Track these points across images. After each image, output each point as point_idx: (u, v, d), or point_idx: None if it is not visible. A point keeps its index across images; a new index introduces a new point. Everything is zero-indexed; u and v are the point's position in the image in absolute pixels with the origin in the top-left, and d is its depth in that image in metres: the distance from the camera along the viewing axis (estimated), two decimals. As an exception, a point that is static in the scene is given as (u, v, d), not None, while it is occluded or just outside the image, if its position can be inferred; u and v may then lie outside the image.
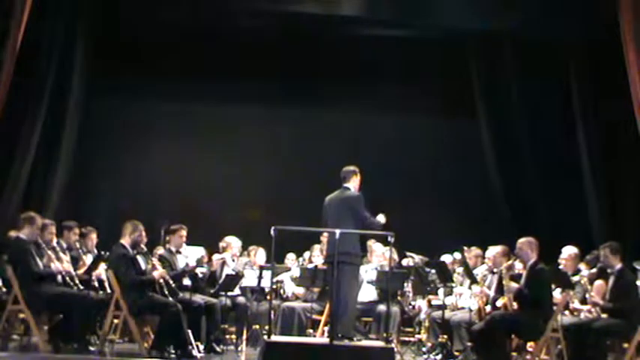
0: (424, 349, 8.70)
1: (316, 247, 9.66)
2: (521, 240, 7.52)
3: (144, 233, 7.79)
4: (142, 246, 7.81)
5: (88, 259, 8.33)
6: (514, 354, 7.66)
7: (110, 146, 11.24)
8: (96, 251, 8.61)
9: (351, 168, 7.85)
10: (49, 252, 7.66)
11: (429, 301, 8.97)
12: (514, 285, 7.40)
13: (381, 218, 7.70)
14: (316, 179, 10.96)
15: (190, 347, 7.51)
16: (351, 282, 7.63)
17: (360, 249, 7.80)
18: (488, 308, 7.90)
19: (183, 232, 8.51)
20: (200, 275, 8.65)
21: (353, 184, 7.79)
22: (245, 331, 8.80)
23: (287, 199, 11.03)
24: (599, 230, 9.65)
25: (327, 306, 8.22)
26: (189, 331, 7.68)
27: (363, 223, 7.59)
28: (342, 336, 7.35)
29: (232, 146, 11.45)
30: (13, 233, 7.89)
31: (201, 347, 7.86)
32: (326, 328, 8.37)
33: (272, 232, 7.31)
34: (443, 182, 11.30)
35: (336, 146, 11.05)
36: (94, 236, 8.78)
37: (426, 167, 11.25)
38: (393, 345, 7.87)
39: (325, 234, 9.49)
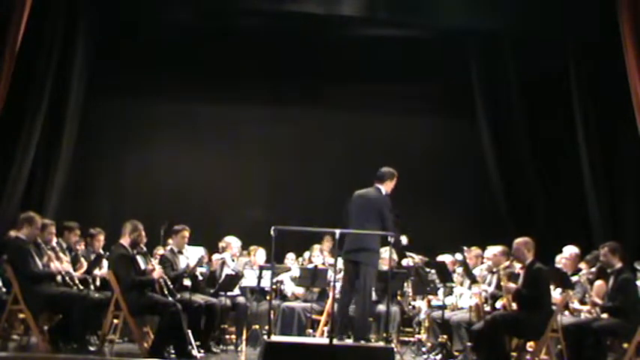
0: (424, 349, 8.69)
1: (316, 247, 9.67)
2: (518, 240, 7.53)
3: (143, 233, 7.78)
4: (142, 246, 7.81)
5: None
6: (514, 354, 7.66)
7: (110, 146, 11.24)
8: (102, 252, 8.60)
9: (391, 170, 7.85)
10: (49, 252, 7.66)
11: (429, 301, 8.97)
12: (512, 285, 7.40)
13: (403, 240, 7.73)
14: (316, 179, 11.02)
15: (190, 347, 7.51)
16: (371, 284, 7.67)
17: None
18: (487, 308, 7.90)
19: (186, 233, 8.52)
20: (200, 276, 8.65)
21: (386, 187, 7.79)
22: (245, 331, 8.81)
23: (287, 199, 11.03)
24: (599, 230, 9.64)
25: (328, 305, 8.22)
26: (189, 331, 7.68)
27: (386, 225, 7.57)
28: (360, 338, 7.35)
29: (232, 146, 11.45)
30: (13, 233, 7.89)
31: (201, 347, 7.85)
32: (326, 328, 8.37)
33: (272, 232, 7.32)
34: (443, 182, 11.29)
35: (335, 146, 11.06)
36: (101, 237, 8.78)
37: (426, 167, 11.24)
38: (393, 345, 7.87)
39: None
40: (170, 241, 8.86)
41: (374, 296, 9.12)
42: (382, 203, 7.66)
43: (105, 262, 8.16)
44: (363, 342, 7.37)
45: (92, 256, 8.43)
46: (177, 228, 8.57)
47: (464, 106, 11.16)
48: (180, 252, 8.52)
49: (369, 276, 7.60)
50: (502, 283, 7.48)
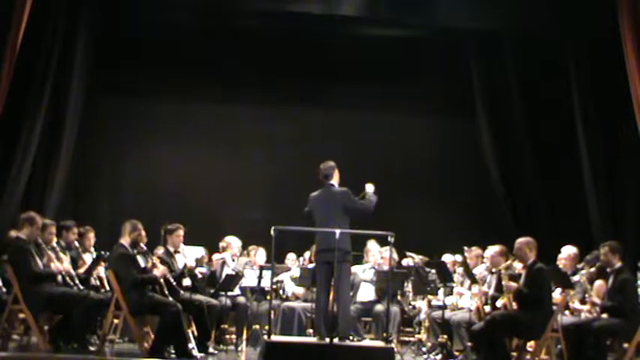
0: (424, 349, 8.70)
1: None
2: (520, 240, 7.52)
3: (143, 232, 7.78)
4: (142, 245, 7.80)
5: (87, 258, 8.34)
6: (514, 354, 7.66)
7: (110, 146, 11.25)
8: (94, 250, 8.61)
9: (332, 163, 7.86)
10: (49, 252, 7.66)
11: (429, 301, 8.97)
12: (513, 285, 7.40)
13: (369, 188, 7.69)
14: (316, 179, 10.99)
15: (190, 347, 7.51)
16: (348, 280, 7.74)
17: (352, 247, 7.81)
18: (487, 308, 7.90)
19: (181, 232, 8.47)
20: (200, 275, 8.65)
21: (336, 180, 7.81)
22: (245, 331, 8.81)
23: (287, 199, 11.02)
24: (599, 230, 9.64)
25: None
26: (190, 330, 7.67)
27: (362, 212, 7.60)
28: (343, 337, 7.35)
29: (232, 146, 11.45)
30: (13, 233, 7.90)
31: (202, 347, 7.85)
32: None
33: (272, 232, 7.32)
34: (443, 182, 11.30)
35: (336, 146, 11.04)
36: (91, 235, 8.76)
37: (426, 167, 11.25)
38: (393, 345, 7.87)
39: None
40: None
41: (374, 296, 9.16)
42: (344, 197, 7.65)
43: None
44: (347, 341, 7.35)
45: (83, 255, 8.42)
46: (172, 227, 8.50)
47: (464, 106, 11.16)
48: (177, 251, 8.48)
49: (348, 275, 7.65)
50: (503, 282, 7.47)
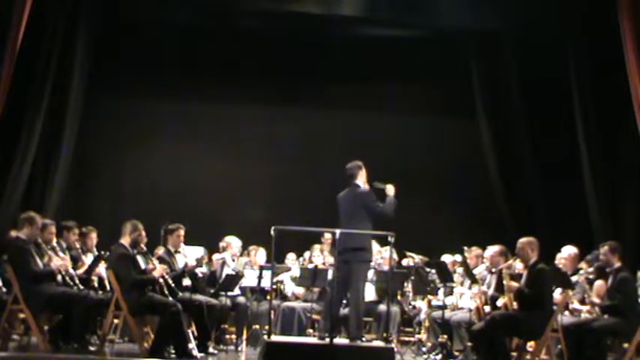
0: (424, 349, 8.70)
1: (316, 247, 9.68)
2: (522, 240, 7.51)
3: (143, 233, 7.78)
4: (142, 246, 7.80)
5: (88, 258, 8.34)
6: (514, 354, 7.66)
7: (110, 146, 11.25)
8: (96, 251, 8.60)
9: (357, 163, 7.86)
10: (49, 252, 7.66)
11: (429, 301, 8.97)
12: (514, 284, 7.39)
13: (389, 191, 7.72)
14: (316, 179, 11.03)
15: (190, 347, 7.51)
16: (363, 281, 7.70)
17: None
18: (487, 308, 7.90)
19: (181, 232, 8.47)
20: (200, 275, 8.65)
21: (362, 179, 7.81)
22: (245, 331, 8.81)
23: (287, 199, 11.03)
24: (599, 230, 9.63)
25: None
26: (190, 330, 7.66)
27: (377, 215, 7.60)
28: (354, 338, 7.35)
29: (232, 146, 11.45)
30: (13, 233, 7.90)
31: (202, 347, 7.85)
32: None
33: (272, 232, 7.33)
34: (443, 182, 11.29)
35: (335, 146, 11.06)
36: (94, 235, 8.77)
37: (426, 167, 11.24)
38: (393, 345, 7.87)
39: (328, 234, 9.53)
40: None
41: (374, 296, 9.15)
42: (363, 195, 7.68)
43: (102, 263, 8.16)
44: (358, 341, 7.36)
45: (83, 255, 8.41)
46: (172, 227, 8.51)
47: (464, 106, 11.16)
48: (177, 251, 8.48)
49: (360, 274, 7.62)
50: (504, 282, 7.47)
